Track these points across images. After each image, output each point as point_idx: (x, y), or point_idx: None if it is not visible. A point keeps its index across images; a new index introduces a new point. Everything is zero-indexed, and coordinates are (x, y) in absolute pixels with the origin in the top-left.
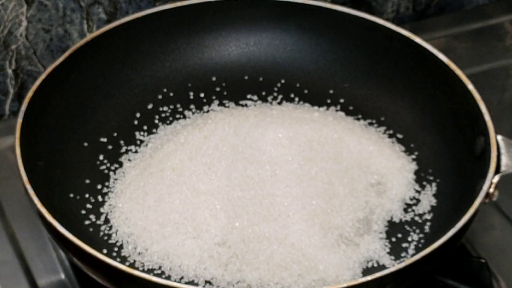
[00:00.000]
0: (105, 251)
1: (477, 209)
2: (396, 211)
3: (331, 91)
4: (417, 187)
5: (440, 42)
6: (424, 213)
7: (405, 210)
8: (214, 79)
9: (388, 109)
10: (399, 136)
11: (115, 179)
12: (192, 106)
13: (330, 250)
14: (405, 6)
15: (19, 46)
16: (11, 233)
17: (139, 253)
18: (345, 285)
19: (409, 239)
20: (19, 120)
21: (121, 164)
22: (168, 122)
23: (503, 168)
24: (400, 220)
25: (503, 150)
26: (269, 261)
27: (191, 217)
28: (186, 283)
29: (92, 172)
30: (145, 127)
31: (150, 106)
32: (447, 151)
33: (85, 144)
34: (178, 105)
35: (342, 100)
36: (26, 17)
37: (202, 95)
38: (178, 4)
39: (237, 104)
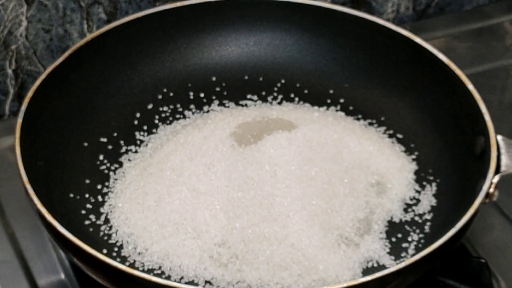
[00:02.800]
0: (105, 251)
1: (477, 209)
2: (396, 211)
3: (331, 91)
4: (417, 187)
5: (440, 42)
6: (424, 213)
7: (405, 210)
8: (214, 79)
9: (388, 109)
10: (399, 136)
11: (115, 179)
12: (192, 106)
13: (330, 250)
14: (405, 6)
15: (19, 46)
16: (11, 233)
17: (139, 253)
18: (345, 285)
19: (409, 239)
20: (19, 120)
21: (121, 164)
22: (168, 122)
23: (503, 168)
24: (400, 220)
25: (503, 150)
26: (269, 261)
27: (191, 217)
28: (186, 283)
29: (92, 172)
30: (145, 127)
31: (150, 106)
32: (447, 151)
33: (85, 144)
34: (178, 105)
35: (342, 100)
36: (26, 17)
37: (202, 95)
38: (178, 4)
39: (237, 104)
